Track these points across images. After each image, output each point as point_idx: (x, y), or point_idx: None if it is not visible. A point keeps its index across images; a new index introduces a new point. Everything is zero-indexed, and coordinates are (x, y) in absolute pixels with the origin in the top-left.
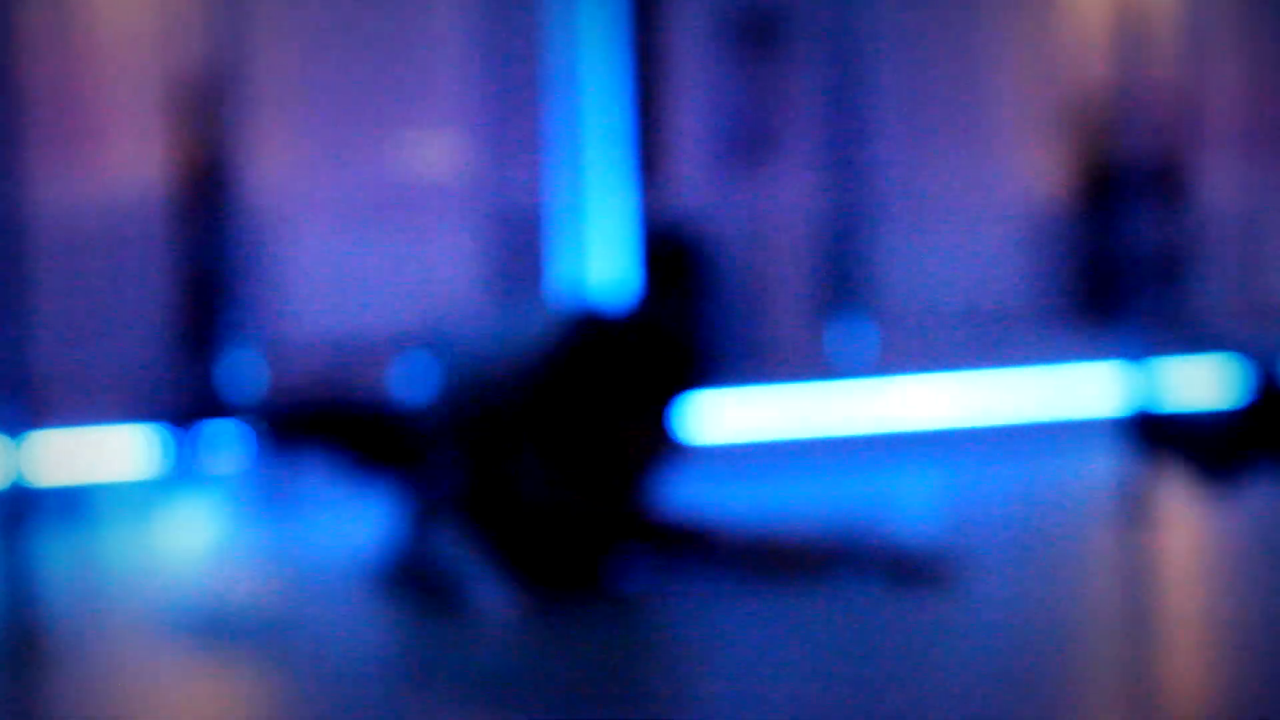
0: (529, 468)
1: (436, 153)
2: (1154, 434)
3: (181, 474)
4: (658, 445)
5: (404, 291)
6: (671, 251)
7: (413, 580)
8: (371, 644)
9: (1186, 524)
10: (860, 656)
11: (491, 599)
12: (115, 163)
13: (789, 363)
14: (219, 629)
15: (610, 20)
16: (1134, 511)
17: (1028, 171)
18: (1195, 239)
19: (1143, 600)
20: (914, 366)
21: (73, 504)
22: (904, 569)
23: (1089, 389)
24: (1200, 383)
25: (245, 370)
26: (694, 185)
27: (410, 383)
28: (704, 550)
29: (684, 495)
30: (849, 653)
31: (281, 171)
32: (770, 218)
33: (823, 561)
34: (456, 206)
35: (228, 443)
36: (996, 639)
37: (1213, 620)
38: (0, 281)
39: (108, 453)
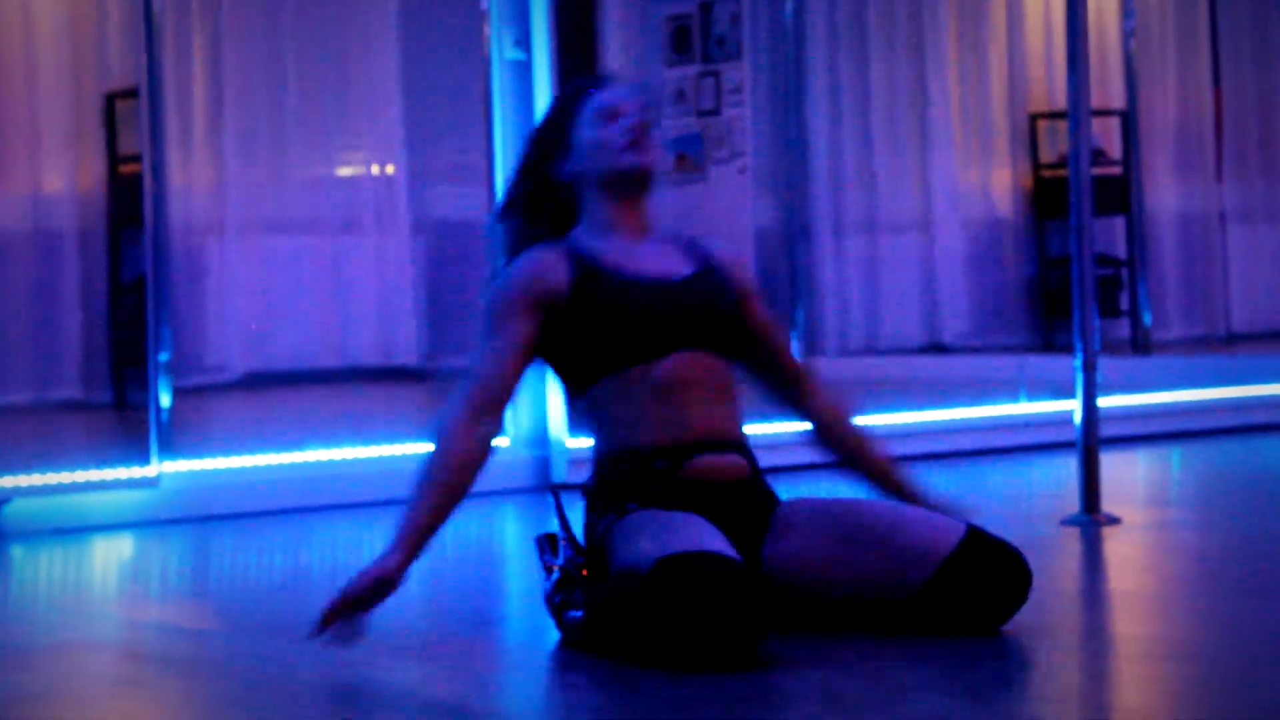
0: None
1: (369, 168)
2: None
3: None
4: None
5: (338, 304)
6: None
7: None
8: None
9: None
10: None
11: None
12: (40, 178)
13: None
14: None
15: (543, 34)
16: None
17: (980, 184)
18: (1140, 247)
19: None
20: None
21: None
22: None
23: (1038, 402)
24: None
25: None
26: None
27: None
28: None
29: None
30: None
31: (216, 187)
32: (710, 230)
33: None
34: (389, 221)
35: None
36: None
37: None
38: None
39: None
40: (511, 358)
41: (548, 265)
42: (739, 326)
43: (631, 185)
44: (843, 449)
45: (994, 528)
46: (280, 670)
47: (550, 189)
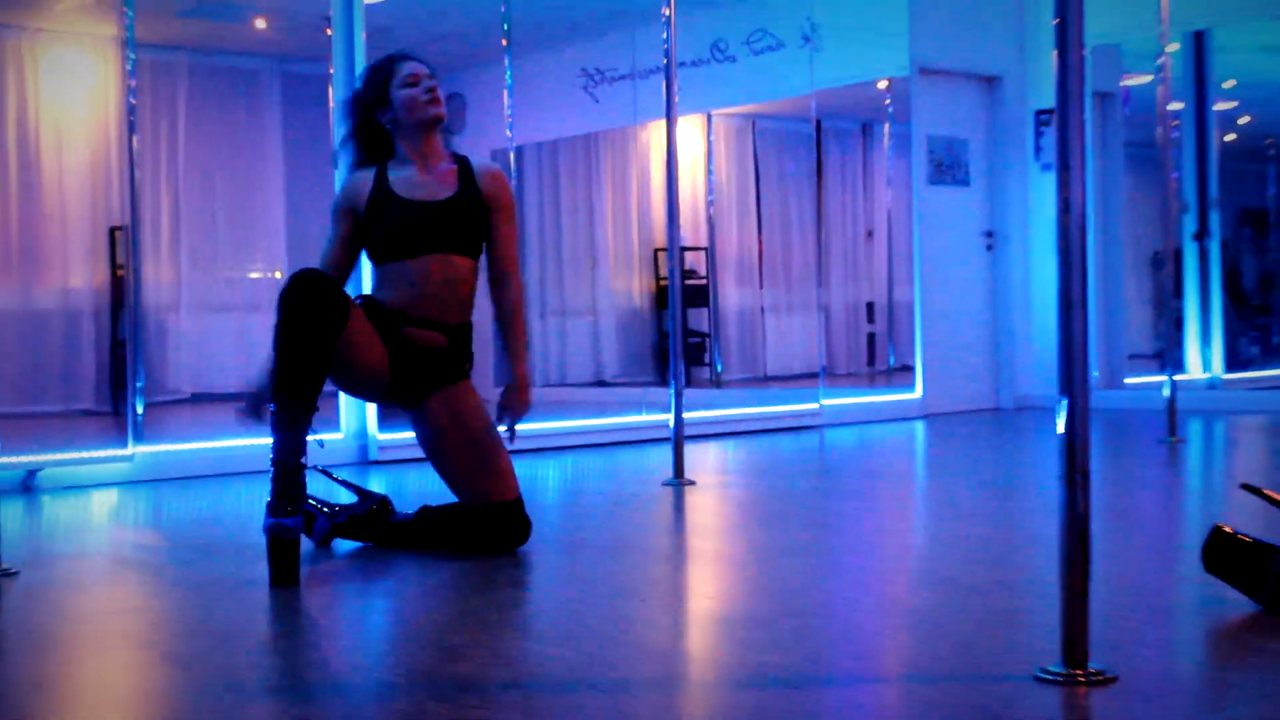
0: None
1: (266, 273)
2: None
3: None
4: None
5: (247, 352)
6: None
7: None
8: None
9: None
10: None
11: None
12: (68, 277)
13: None
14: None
15: None
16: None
17: (625, 288)
18: (716, 325)
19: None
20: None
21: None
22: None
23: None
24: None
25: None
26: None
27: None
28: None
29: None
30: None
31: (173, 283)
32: None
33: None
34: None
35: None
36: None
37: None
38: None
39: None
40: (339, 247)
41: (357, 185)
42: (481, 234)
43: (428, 127)
44: (501, 331)
45: (627, 486)
46: (201, 568)
47: (372, 129)
